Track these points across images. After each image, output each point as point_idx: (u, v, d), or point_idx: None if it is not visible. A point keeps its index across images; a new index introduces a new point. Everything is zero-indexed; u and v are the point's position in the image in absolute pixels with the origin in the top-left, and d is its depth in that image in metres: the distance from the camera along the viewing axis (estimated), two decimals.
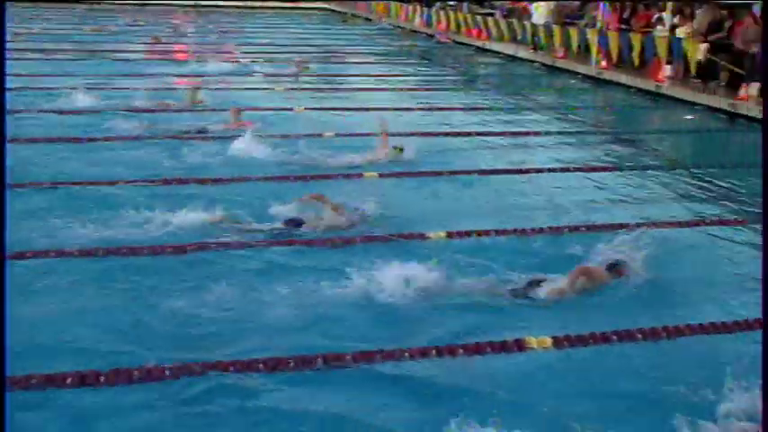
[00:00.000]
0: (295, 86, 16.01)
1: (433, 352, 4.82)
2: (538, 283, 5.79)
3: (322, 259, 6.34)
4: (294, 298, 5.50)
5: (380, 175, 9.04)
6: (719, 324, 5.37)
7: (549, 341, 4.97)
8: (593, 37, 20.95)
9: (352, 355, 4.72)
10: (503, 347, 4.91)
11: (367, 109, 13.25)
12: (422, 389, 4.47)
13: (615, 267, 5.98)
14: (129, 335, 5.06)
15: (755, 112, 14.24)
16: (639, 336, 5.15)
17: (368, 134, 10.56)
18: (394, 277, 5.64)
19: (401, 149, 9.58)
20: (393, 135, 9.88)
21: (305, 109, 13.22)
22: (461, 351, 4.84)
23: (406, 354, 4.77)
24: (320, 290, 5.62)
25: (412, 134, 11.07)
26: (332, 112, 13.28)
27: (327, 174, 8.93)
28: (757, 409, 3.81)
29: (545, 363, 4.83)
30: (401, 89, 17.09)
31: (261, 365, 4.59)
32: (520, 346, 4.93)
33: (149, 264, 6.18)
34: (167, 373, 4.50)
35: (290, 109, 13.21)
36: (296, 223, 6.98)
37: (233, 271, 6.05)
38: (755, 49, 15.28)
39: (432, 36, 31.38)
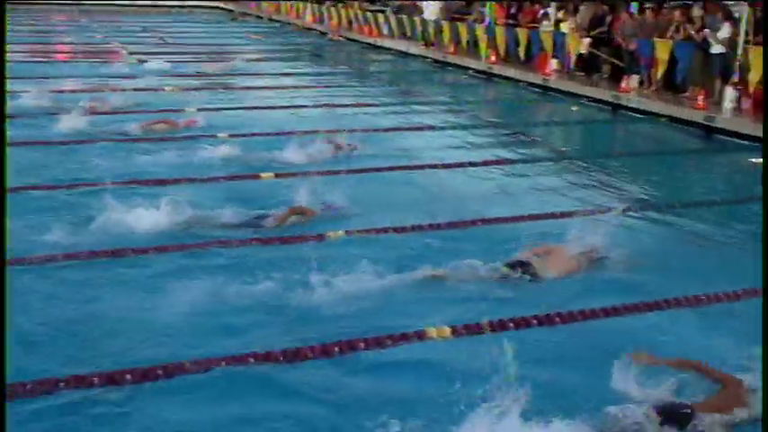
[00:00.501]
0: (187, 86, 15.70)
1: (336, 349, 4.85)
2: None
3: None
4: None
5: (277, 175, 8.98)
6: (610, 309, 5.56)
7: (447, 330, 5.07)
8: (480, 33, 21.41)
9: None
10: (403, 338, 4.96)
11: (260, 108, 13.15)
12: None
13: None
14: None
15: (636, 103, 14.88)
16: (536, 322, 5.30)
17: (268, 134, 10.42)
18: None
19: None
20: (287, 134, 9.85)
21: (197, 110, 13.00)
22: (362, 345, 4.88)
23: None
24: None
25: (306, 132, 11.06)
26: (225, 112, 13.12)
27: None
28: None
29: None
30: (294, 87, 17.00)
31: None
32: (420, 336, 5.00)
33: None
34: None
35: (182, 110, 12.95)
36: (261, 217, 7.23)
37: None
38: (633, 44, 15.96)
39: (324, 33, 31.36)
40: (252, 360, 4.67)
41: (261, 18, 39.42)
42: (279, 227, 7.10)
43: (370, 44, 28.02)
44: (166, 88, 15.36)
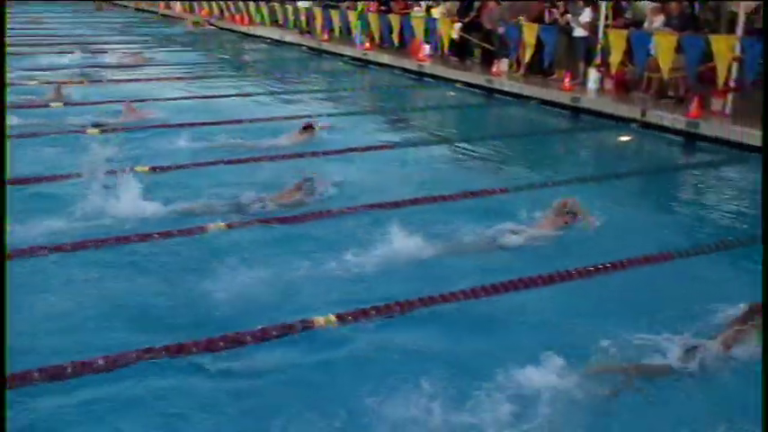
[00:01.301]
0: (56, 79, 15.02)
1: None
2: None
3: None
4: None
5: (151, 169, 8.79)
6: (480, 288, 5.74)
7: (333, 318, 5.14)
8: (354, 19, 21.52)
9: None
10: (289, 329, 5.00)
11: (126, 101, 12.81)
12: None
13: None
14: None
15: (507, 86, 15.36)
16: (420, 304, 5.44)
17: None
18: None
19: None
20: (163, 127, 9.65)
21: (64, 104, 12.52)
22: (249, 338, 4.89)
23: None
24: None
25: (181, 125, 10.89)
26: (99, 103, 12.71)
27: None
28: None
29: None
30: (166, 78, 16.57)
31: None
32: (306, 326, 5.05)
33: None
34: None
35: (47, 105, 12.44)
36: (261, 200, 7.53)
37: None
38: (501, 28, 16.45)
39: (196, 23, 30.73)
40: None
41: (126, 8, 38.15)
42: None
43: (243, 33, 27.66)
44: (30, 82, 14.69)
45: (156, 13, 35.87)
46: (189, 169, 8.89)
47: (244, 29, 28.01)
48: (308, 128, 10.49)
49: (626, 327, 4.98)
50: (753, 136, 10.72)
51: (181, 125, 11.02)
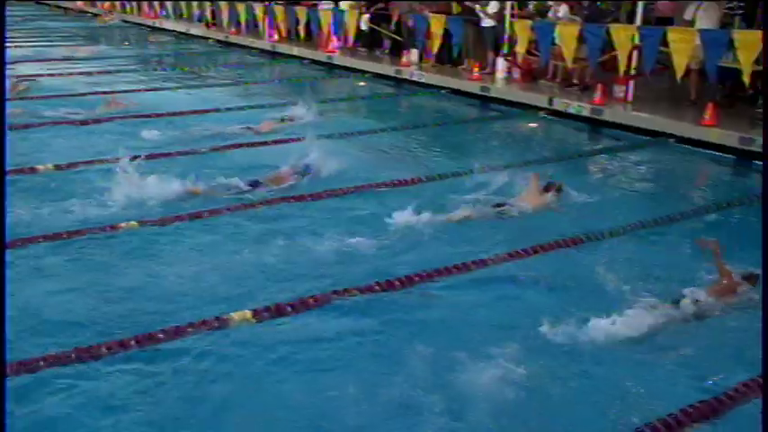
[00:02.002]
0: None
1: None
2: None
3: None
4: None
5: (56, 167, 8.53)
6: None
7: (248, 314, 5.10)
8: (260, 12, 21.31)
9: None
10: (204, 324, 4.94)
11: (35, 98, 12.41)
12: None
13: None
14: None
15: (417, 76, 15.48)
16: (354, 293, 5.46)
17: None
18: None
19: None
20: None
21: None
22: (162, 336, 4.81)
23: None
24: None
25: (84, 122, 10.64)
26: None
27: None
28: None
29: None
30: (73, 73, 16.05)
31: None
32: (221, 322, 5.00)
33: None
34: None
35: None
36: (255, 183, 7.89)
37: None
38: (410, 19, 16.56)
39: (96, 15, 29.88)
40: None
41: (22, 1, 36.76)
42: None
43: (149, 26, 27.07)
44: None
45: (57, 6, 34.72)
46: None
47: (150, 22, 27.42)
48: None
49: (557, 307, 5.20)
50: (653, 121, 11.14)
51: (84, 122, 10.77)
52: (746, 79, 10.43)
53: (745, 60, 10.23)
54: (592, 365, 4.63)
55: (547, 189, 7.58)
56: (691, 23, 11.54)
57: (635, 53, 11.99)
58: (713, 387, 4.39)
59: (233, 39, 22.39)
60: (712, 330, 5.08)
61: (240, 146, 9.95)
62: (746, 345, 4.75)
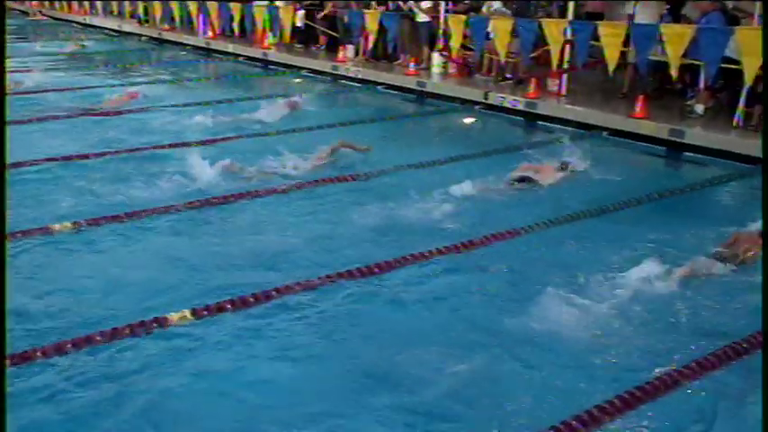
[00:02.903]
0: None
1: None
2: None
3: None
4: None
5: None
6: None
7: (188, 313, 5.03)
8: (194, 9, 21.05)
9: None
10: (142, 326, 4.86)
11: None
12: None
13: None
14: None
15: (353, 72, 15.48)
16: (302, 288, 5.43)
17: None
18: None
19: None
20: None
21: None
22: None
23: None
24: None
25: (19, 122, 10.35)
26: None
27: None
28: None
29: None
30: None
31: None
32: (160, 323, 4.92)
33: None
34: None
35: None
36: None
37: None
38: (345, 15, 16.55)
39: (26, 13, 29.10)
40: None
41: None
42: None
43: (78, 23, 26.49)
44: None
45: None
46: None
47: (80, 18, 26.81)
48: None
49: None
50: (587, 114, 11.35)
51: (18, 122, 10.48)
52: (674, 72, 10.71)
53: (673, 54, 10.50)
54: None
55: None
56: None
57: (567, 47, 12.20)
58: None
59: (167, 36, 22.05)
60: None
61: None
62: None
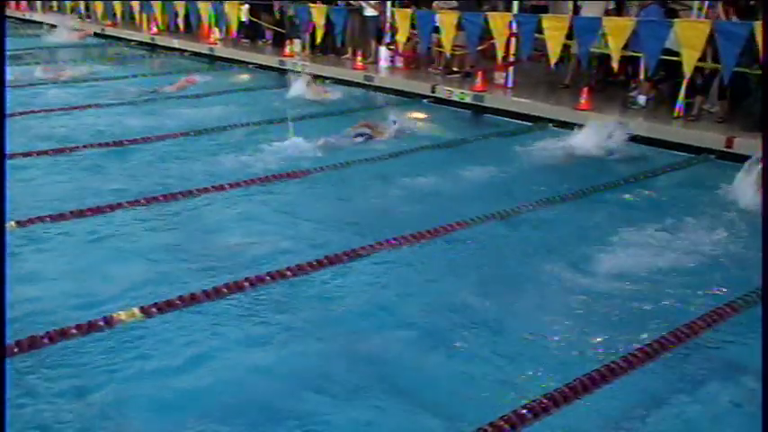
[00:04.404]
0: None
1: None
2: None
3: None
4: None
5: None
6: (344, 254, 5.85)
7: (137, 312, 4.98)
8: (136, 5, 20.76)
9: None
10: (90, 327, 4.80)
11: None
12: None
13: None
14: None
15: (300, 67, 15.41)
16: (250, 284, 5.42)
17: None
18: None
19: None
20: None
21: None
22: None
23: None
24: None
25: None
26: None
27: None
28: None
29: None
30: None
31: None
32: (108, 322, 4.87)
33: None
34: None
35: None
36: (367, 137, 9.99)
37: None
38: (291, 11, 16.48)
39: None
40: None
41: None
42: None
43: (18, 18, 25.89)
44: None
45: None
46: None
47: (19, 14, 26.22)
48: None
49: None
50: (533, 107, 11.50)
51: None
52: (615, 64, 10.91)
53: (614, 46, 10.70)
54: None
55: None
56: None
57: (512, 40, 12.33)
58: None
59: (110, 31, 21.69)
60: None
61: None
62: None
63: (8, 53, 17.82)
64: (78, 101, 12.44)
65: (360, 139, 9.87)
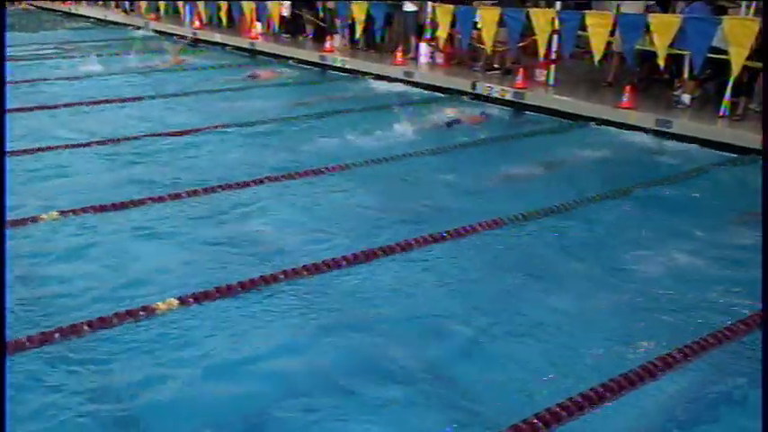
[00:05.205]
0: None
1: None
2: None
3: None
4: None
5: None
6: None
7: (175, 302, 5.02)
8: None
9: None
10: (128, 315, 4.84)
11: None
12: None
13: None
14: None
15: (340, 62, 15.43)
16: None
17: None
18: None
19: None
20: None
21: None
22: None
23: None
24: None
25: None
26: None
27: None
28: None
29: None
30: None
31: None
32: (147, 311, 4.91)
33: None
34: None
35: None
36: (456, 121, 10.89)
37: None
38: (331, 3, 16.50)
39: (10, 1, 28.87)
40: None
41: None
42: None
43: (65, 12, 26.30)
44: None
45: None
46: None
47: (65, 8, 26.62)
48: None
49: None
50: (574, 105, 11.37)
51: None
52: (661, 62, 10.73)
53: (660, 43, 10.52)
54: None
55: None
56: None
57: (554, 37, 12.19)
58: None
59: (153, 25, 21.91)
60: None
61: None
62: None
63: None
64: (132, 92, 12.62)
65: (452, 125, 10.77)
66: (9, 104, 11.00)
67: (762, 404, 3.14)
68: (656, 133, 10.20)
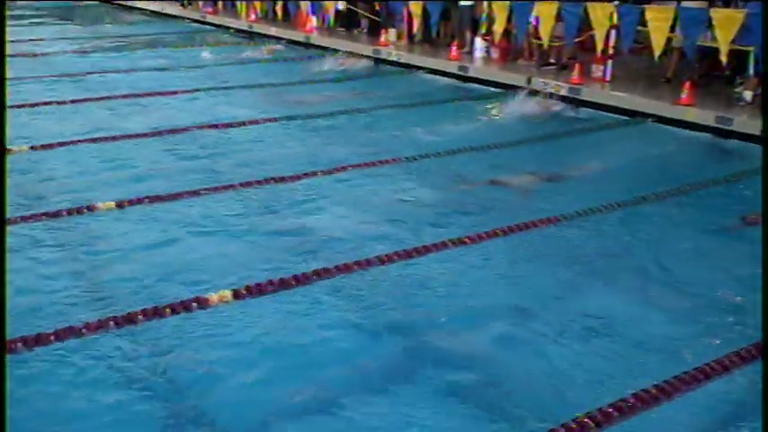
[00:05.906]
0: None
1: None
2: None
3: None
4: None
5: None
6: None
7: (228, 294, 5.07)
8: None
9: None
10: (182, 307, 4.91)
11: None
12: None
13: None
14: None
15: (395, 56, 15.41)
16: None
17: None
18: None
19: None
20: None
21: None
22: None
23: None
24: None
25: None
26: None
27: None
28: None
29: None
30: (51, 53, 15.90)
31: None
32: (200, 302, 4.97)
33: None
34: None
35: None
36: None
37: None
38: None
39: None
40: None
41: None
42: None
43: (121, 5, 26.78)
44: None
45: None
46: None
47: (122, 2, 27.12)
48: None
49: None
50: (631, 101, 11.17)
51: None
52: (724, 58, 10.49)
53: (723, 39, 10.27)
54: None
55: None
56: None
57: (612, 32, 11.99)
58: None
59: (210, 18, 22.16)
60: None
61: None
62: None
63: None
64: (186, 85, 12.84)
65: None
66: (73, 96, 11.31)
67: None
68: (716, 131, 9.97)
